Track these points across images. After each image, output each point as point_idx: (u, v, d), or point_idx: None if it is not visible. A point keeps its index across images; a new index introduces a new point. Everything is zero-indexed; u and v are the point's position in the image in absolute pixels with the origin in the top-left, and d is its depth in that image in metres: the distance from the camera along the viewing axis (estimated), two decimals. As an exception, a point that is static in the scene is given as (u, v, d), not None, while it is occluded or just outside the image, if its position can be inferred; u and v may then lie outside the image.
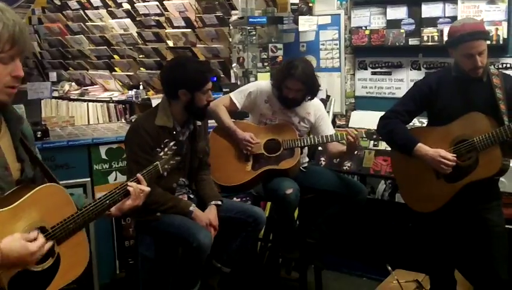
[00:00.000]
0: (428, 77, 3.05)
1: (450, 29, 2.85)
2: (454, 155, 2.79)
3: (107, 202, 2.00)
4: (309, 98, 3.54)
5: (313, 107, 3.63)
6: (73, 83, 7.08)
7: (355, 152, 3.99)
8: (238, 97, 3.62)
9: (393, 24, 4.20)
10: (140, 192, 2.12)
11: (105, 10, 6.31)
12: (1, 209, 1.66)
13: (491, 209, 2.84)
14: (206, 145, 3.23)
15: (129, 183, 2.10)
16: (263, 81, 3.83)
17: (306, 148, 3.68)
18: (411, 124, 3.14)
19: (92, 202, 1.94)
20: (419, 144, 2.86)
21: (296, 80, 3.42)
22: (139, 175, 2.17)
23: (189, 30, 5.29)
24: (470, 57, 2.71)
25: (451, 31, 2.82)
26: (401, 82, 4.30)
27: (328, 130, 3.64)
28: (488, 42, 2.81)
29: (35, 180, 1.84)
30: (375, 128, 3.15)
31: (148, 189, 2.16)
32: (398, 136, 2.95)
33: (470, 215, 2.86)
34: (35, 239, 1.68)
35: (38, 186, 1.77)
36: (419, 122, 3.52)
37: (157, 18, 5.65)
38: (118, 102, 6.01)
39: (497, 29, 3.76)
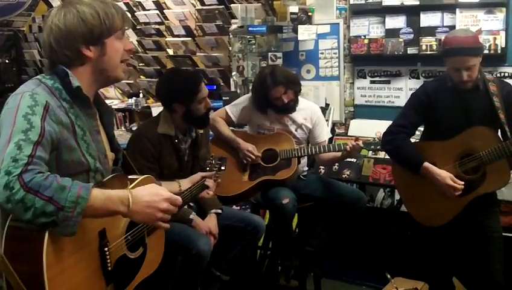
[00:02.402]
0: (425, 86, 3.03)
1: (444, 39, 2.87)
2: (462, 183, 2.77)
3: (194, 191, 2.55)
4: (299, 90, 3.55)
5: (310, 113, 3.64)
6: (73, 91, 7.06)
7: (355, 160, 4.01)
8: (233, 111, 3.63)
9: (392, 33, 4.22)
10: None
11: (105, 18, 6.32)
12: None
13: (489, 215, 2.85)
14: (207, 153, 3.23)
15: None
16: None
17: (305, 157, 3.68)
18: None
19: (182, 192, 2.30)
20: (426, 163, 2.84)
21: (275, 87, 3.42)
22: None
23: (189, 39, 5.30)
24: (457, 70, 2.74)
25: (443, 42, 2.84)
26: (400, 91, 4.32)
27: (324, 135, 3.65)
28: (486, 52, 2.82)
29: (115, 170, 1.93)
30: (373, 137, 3.14)
31: None
32: (405, 154, 2.94)
33: (468, 222, 2.87)
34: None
35: (138, 178, 1.87)
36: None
37: (157, 26, 5.66)
38: (118, 110, 6.00)
39: (495, 38, 3.77)
